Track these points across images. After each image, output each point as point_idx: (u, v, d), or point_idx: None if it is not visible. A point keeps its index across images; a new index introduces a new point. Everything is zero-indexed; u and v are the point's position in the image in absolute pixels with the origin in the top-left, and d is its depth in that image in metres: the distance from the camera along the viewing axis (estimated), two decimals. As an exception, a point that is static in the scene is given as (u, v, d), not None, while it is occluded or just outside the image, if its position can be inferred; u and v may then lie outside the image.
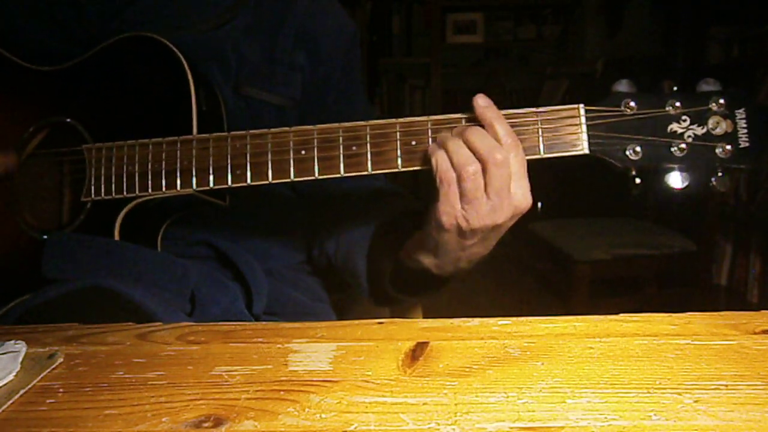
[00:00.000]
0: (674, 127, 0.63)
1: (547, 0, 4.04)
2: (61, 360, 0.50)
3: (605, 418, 0.39)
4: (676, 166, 0.64)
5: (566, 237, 2.27)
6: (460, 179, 0.62)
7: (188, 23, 0.81)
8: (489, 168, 0.60)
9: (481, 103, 0.63)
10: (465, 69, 4.16)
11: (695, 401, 0.41)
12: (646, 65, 2.93)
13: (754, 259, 2.32)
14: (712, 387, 0.43)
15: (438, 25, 3.94)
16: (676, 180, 0.64)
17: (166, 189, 0.72)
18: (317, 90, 0.87)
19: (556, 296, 2.49)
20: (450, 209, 0.63)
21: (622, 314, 0.55)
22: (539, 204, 3.03)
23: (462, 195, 0.62)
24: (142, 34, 0.76)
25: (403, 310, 0.99)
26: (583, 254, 2.15)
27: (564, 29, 4.01)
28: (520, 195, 0.63)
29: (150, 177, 0.72)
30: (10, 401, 0.44)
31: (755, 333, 0.51)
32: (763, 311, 0.55)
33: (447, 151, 0.62)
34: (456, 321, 0.55)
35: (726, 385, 0.43)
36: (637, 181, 0.65)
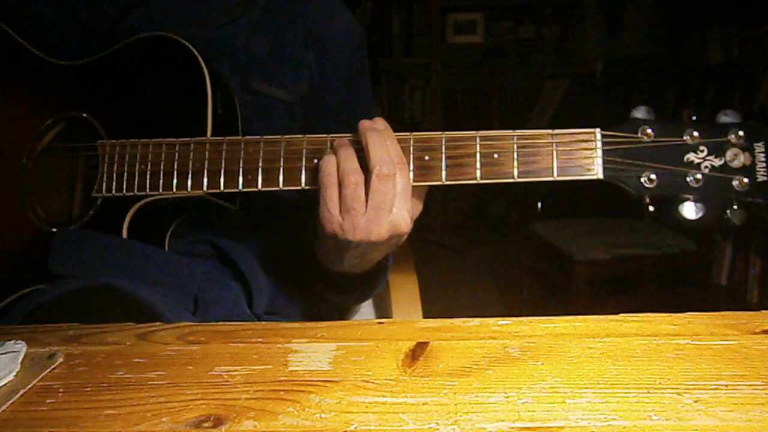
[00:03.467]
0: (691, 156, 0.62)
1: (547, 0, 4.05)
2: (61, 360, 0.50)
3: (605, 418, 0.39)
4: (690, 196, 0.63)
5: (566, 237, 2.27)
6: (341, 185, 0.63)
7: (199, 20, 0.83)
8: (373, 179, 0.62)
9: (379, 126, 0.65)
10: (465, 69, 4.15)
11: (695, 401, 0.41)
12: (646, 65, 2.93)
13: (754, 259, 2.32)
14: (712, 387, 0.43)
15: (438, 25, 3.94)
16: (690, 211, 0.63)
17: (177, 189, 0.71)
18: (322, 92, 0.88)
19: (556, 296, 2.49)
20: (328, 215, 0.64)
21: (622, 314, 0.55)
22: (539, 204, 3.03)
23: (341, 202, 0.63)
24: (162, 33, 0.76)
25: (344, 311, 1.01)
26: (583, 254, 2.15)
27: (564, 29, 4.02)
28: (399, 217, 0.64)
29: (162, 177, 0.72)
30: (10, 401, 0.44)
31: (755, 333, 0.51)
32: (763, 311, 0.55)
33: (336, 157, 0.64)
34: (456, 321, 0.55)
35: (726, 385, 0.43)
36: (651, 209, 0.64)
